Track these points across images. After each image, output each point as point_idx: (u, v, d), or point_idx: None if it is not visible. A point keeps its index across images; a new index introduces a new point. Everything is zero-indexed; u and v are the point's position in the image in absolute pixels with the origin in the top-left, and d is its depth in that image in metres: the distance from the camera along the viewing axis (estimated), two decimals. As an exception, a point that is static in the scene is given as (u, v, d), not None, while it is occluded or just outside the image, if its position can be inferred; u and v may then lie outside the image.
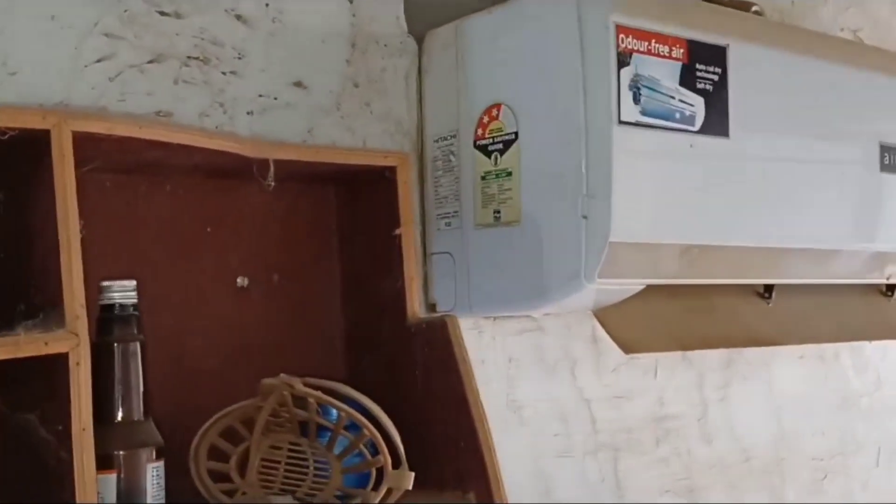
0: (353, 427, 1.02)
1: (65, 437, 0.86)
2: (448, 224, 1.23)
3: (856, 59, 1.35)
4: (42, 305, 0.90)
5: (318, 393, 1.01)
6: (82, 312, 0.88)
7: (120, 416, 0.95)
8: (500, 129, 1.17)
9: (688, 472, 1.52)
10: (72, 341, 0.86)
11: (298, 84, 1.17)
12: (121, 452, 0.93)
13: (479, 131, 1.19)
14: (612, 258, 1.08)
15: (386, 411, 1.06)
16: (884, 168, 1.34)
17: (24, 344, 0.85)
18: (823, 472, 1.70)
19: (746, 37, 1.20)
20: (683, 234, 1.15)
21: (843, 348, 1.74)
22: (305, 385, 1.01)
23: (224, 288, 1.14)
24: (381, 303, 1.19)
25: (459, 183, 1.21)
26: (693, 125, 1.13)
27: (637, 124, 1.08)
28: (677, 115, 1.12)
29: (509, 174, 1.16)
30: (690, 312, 1.31)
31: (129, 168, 1.06)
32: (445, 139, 1.23)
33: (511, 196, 1.16)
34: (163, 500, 0.96)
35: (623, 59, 1.07)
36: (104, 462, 0.90)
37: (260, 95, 1.14)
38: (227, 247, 1.14)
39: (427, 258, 1.26)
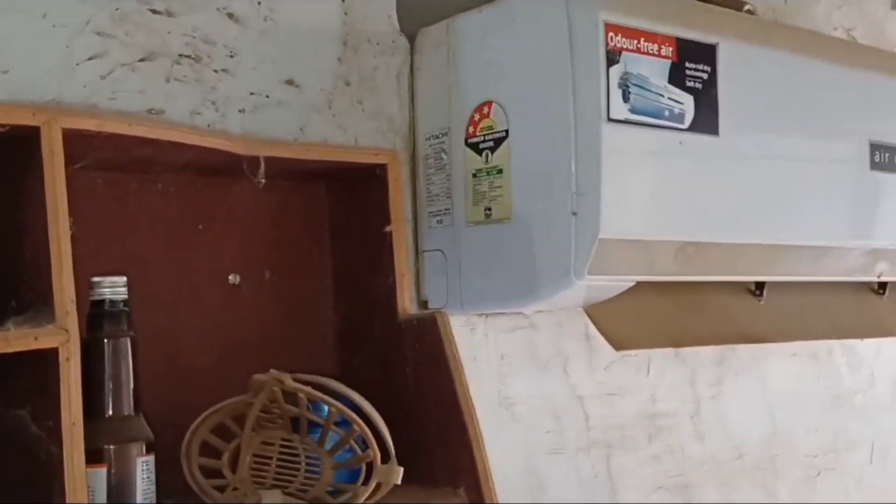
0: (344, 423, 1.03)
1: (55, 432, 0.87)
2: (440, 221, 1.23)
3: (845, 57, 1.35)
4: (33, 302, 0.91)
5: (309, 389, 1.02)
6: (72, 308, 0.89)
7: (110, 411, 0.95)
8: (490, 127, 1.17)
9: (681, 469, 1.52)
10: (61, 337, 0.87)
11: (290, 82, 1.18)
12: (111, 447, 0.94)
13: (471, 129, 1.19)
14: (601, 255, 1.08)
15: (377, 407, 1.06)
16: (874, 166, 1.34)
17: (14, 339, 0.85)
18: (816, 470, 1.71)
19: (736, 35, 1.20)
20: (673, 231, 1.15)
21: (836, 346, 1.74)
22: (295, 381, 1.02)
23: (216, 285, 1.15)
24: (373, 300, 1.20)
25: (451, 180, 1.22)
26: (682, 123, 1.14)
27: (626, 122, 1.09)
28: (666, 113, 1.12)
29: (500, 172, 1.16)
30: (681, 309, 1.32)
31: (120, 166, 1.07)
32: (437, 137, 1.24)
33: (502, 193, 1.16)
34: (153, 494, 0.97)
35: (612, 57, 1.08)
36: (94, 456, 0.91)
37: (252, 93, 1.15)
38: (218, 244, 1.15)
39: (419, 255, 1.26)
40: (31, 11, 1.00)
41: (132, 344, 0.97)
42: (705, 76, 1.15)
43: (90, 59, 1.04)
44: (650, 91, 1.11)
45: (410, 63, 1.27)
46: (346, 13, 1.22)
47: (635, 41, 1.10)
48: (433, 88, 1.24)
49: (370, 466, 1.03)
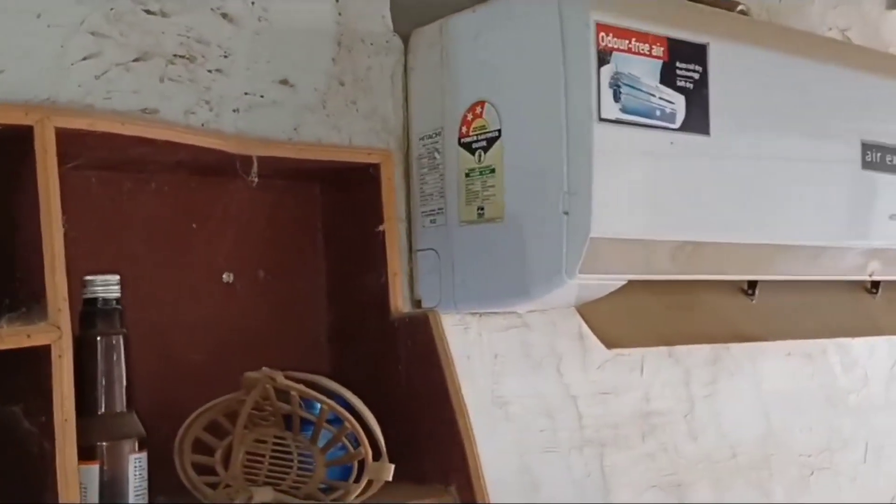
0: (336, 420, 1.03)
1: (47, 429, 0.88)
2: (433, 221, 1.24)
3: (836, 57, 1.36)
4: (26, 300, 0.91)
5: (301, 386, 1.02)
6: (65, 306, 0.89)
7: (103, 408, 0.96)
8: (483, 127, 1.18)
9: (674, 468, 1.53)
10: (54, 334, 0.88)
11: (284, 82, 1.18)
12: (103, 443, 0.95)
13: (464, 129, 1.20)
14: (592, 254, 1.09)
15: (369, 406, 1.07)
16: (865, 165, 1.35)
17: (7, 336, 0.86)
18: (810, 469, 1.71)
19: (727, 35, 1.21)
20: (664, 231, 1.16)
21: (830, 345, 1.75)
22: (288, 379, 1.02)
23: (209, 284, 1.16)
24: (365, 298, 1.20)
25: (444, 180, 1.23)
26: (673, 123, 1.14)
27: (617, 122, 1.09)
28: (657, 113, 1.13)
29: (493, 171, 1.17)
30: (674, 309, 1.32)
31: (114, 165, 1.07)
32: (430, 137, 1.24)
33: (494, 193, 1.17)
34: (145, 491, 0.97)
35: (603, 57, 1.08)
36: (87, 453, 0.92)
37: (246, 93, 1.15)
38: (212, 243, 1.15)
39: (412, 255, 1.27)
40: (25, 11, 1.01)
41: (125, 341, 0.98)
42: (696, 76, 1.16)
43: (85, 58, 1.04)
44: (641, 91, 1.11)
45: (404, 63, 1.28)
46: (340, 13, 1.23)
47: (626, 41, 1.10)
48: (427, 88, 1.25)
49: (362, 464, 1.03)
